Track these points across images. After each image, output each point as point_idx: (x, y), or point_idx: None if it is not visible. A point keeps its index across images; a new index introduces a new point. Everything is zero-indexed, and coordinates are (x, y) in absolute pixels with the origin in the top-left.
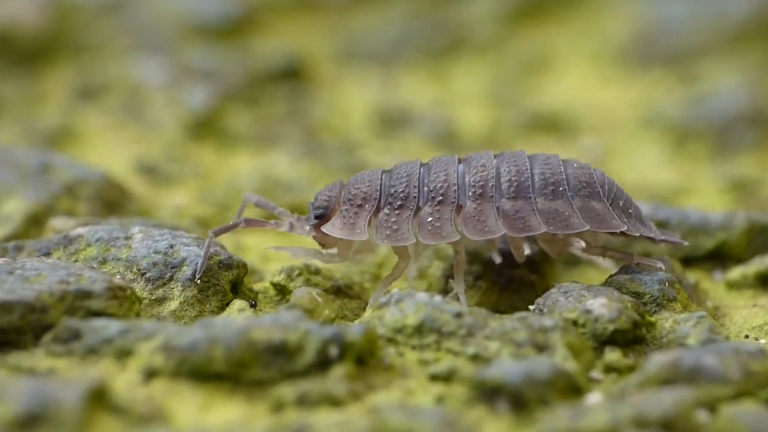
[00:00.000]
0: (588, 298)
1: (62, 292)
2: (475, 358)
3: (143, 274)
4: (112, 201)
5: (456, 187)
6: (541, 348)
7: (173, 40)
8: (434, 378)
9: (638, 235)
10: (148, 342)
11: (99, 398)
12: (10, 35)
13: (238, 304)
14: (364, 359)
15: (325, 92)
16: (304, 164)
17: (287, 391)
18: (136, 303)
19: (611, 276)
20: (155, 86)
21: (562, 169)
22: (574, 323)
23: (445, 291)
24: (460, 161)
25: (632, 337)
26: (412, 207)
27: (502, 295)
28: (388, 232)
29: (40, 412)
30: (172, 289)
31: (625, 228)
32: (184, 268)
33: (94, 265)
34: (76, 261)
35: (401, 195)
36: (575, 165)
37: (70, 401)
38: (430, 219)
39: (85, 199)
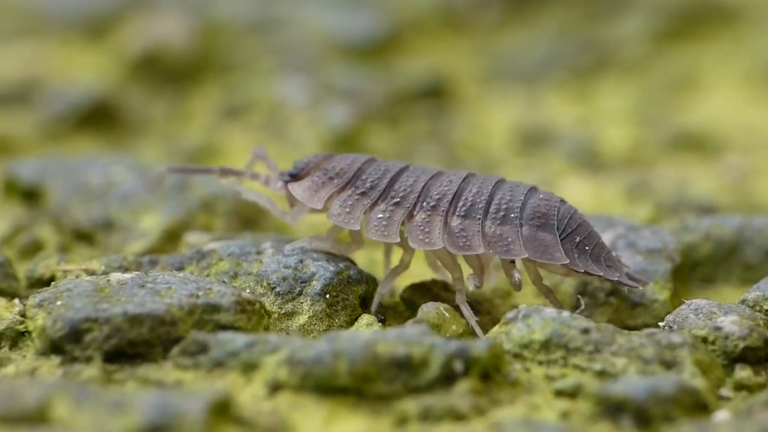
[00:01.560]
0: (719, 315)
1: (191, 306)
2: (602, 374)
3: (273, 289)
4: (248, 216)
5: (416, 195)
6: (669, 365)
7: (317, 60)
8: (559, 393)
9: (582, 271)
10: (273, 355)
11: (223, 410)
12: (161, 56)
13: (366, 318)
14: (490, 374)
15: (466, 111)
16: None
17: (411, 405)
18: (264, 317)
19: (744, 294)
20: (297, 105)
21: (523, 198)
22: (704, 340)
23: (574, 307)
24: (436, 174)
25: (764, 355)
26: (372, 198)
27: (634, 312)
28: (339, 211)
29: (163, 424)
30: (302, 303)
31: (567, 262)
32: (314, 282)
33: (226, 280)
34: (208, 275)
35: (369, 183)
36: (541, 196)
37: (194, 413)
38: (380, 216)
39: (221, 214)
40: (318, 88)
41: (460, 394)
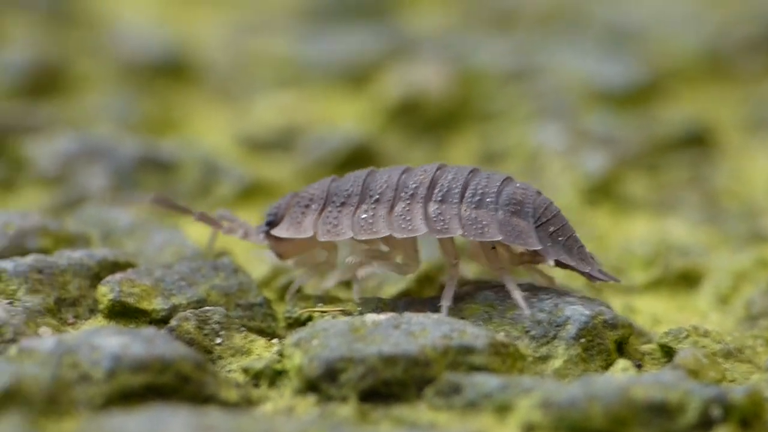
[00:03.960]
0: None
1: (445, 347)
2: None
3: (527, 332)
4: None
5: (394, 190)
6: None
7: (574, 106)
8: None
9: (553, 259)
10: (527, 397)
11: None
12: (419, 103)
13: (622, 363)
14: (749, 421)
15: (728, 159)
16: (702, 230)
17: None
18: (519, 360)
19: None
20: (554, 151)
21: (498, 185)
22: None
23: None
24: (407, 169)
25: None
26: (352, 204)
27: None
28: (327, 228)
29: None
30: (556, 347)
31: (540, 248)
32: (568, 326)
33: (480, 323)
34: (462, 318)
35: (344, 194)
36: (518, 185)
37: None
38: (364, 216)
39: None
40: (575, 135)
41: None
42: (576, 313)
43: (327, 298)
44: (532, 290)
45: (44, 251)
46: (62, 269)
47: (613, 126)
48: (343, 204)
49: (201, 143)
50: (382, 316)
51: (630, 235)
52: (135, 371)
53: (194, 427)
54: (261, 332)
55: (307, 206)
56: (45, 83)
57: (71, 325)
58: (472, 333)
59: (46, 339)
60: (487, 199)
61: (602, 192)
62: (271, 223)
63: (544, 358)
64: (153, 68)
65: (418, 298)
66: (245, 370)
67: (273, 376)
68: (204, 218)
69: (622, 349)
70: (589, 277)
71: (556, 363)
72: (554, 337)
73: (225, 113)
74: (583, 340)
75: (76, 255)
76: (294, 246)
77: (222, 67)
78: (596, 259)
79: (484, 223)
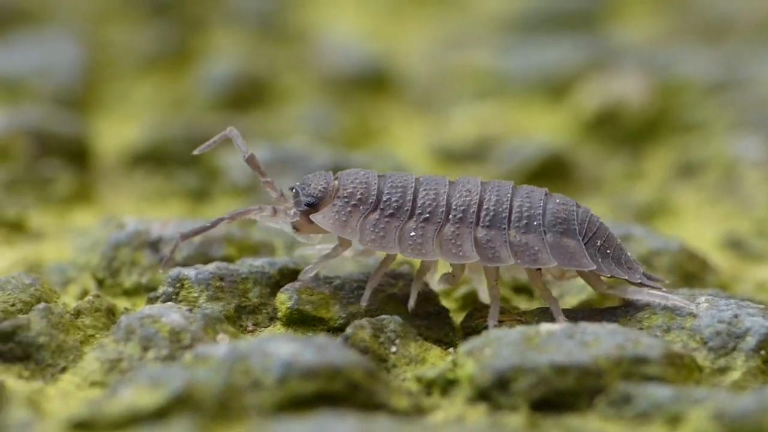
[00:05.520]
0: None
1: (618, 357)
2: None
3: (705, 343)
4: (690, 272)
5: (443, 209)
6: None
7: None
8: None
9: (609, 275)
10: (699, 409)
11: None
12: (617, 114)
13: None
14: None
15: None
16: None
17: None
18: (695, 371)
19: None
20: (751, 163)
21: (542, 204)
22: None
23: None
24: (449, 183)
25: None
26: (401, 218)
27: None
28: (373, 236)
29: None
30: (735, 359)
31: (594, 267)
32: (748, 338)
33: (658, 333)
34: (640, 329)
35: (394, 204)
36: (557, 200)
37: None
38: (412, 234)
39: (661, 269)
40: None
41: None
42: (756, 324)
43: (505, 308)
44: (711, 299)
45: (228, 259)
46: (243, 277)
47: None
48: (392, 215)
49: (394, 154)
50: (556, 326)
51: None
52: (305, 378)
53: None
54: (438, 341)
55: (355, 206)
56: (249, 96)
57: (251, 332)
58: (647, 343)
59: (220, 346)
60: (534, 222)
61: None
62: (313, 205)
63: (723, 370)
64: (354, 81)
65: (598, 309)
66: (418, 379)
67: (445, 384)
68: (235, 216)
69: None
70: (641, 286)
71: (735, 375)
72: (733, 349)
73: (422, 125)
74: (763, 352)
75: (258, 263)
76: (319, 230)
77: (422, 79)
78: (636, 262)
79: (535, 248)
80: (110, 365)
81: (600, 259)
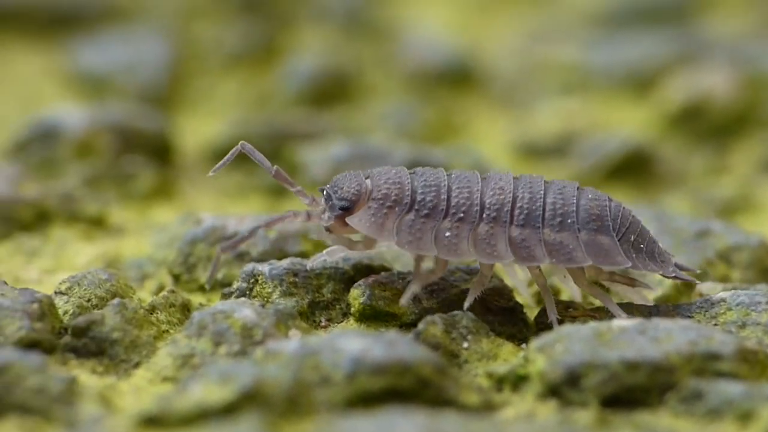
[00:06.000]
0: None
1: (690, 353)
2: None
3: None
4: None
5: (477, 207)
6: None
7: None
8: None
9: (643, 271)
10: None
11: None
12: (703, 109)
13: None
14: None
15: None
16: None
17: None
18: None
19: None
20: None
21: (575, 200)
22: None
23: None
24: (481, 180)
25: None
26: (436, 218)
27: None
28: (410, 238)
29: None
30: None
31: (630, 265)
32: None
33: (733, 329)
34: (715, 325)
35: (429, 204)
36: (590, 196)
37: None
38: (447, 234)
39: (740, 265)
40: None
41: None
42: None
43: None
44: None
45: (303, 255)
46: (317, 273)
47: None
48: (427, 216)
49: (475, 149)
50: (628, 322)
51: None
52: (374, 374)
53: (422, 430)
54: (511, 337)
55: (390, 207)
56: (333, 92)
57: (324, 328)
58: (720, 339)
59: (291, 341)
60: (569, 220)
61: None
62: (348, 209)
63: None
64: (438, 76)
65: (672, 304)
66: (489, 375)
67: (516, 380)
68: (280, 175)
69: None
70: (675, 279)
71: None
72: None
73: (505, 120)
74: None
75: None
76: (353, 231)
77: (508, 74)
78: (668, 253)
79: (570, 247)
80: (182, 360)
81: (634, 255)
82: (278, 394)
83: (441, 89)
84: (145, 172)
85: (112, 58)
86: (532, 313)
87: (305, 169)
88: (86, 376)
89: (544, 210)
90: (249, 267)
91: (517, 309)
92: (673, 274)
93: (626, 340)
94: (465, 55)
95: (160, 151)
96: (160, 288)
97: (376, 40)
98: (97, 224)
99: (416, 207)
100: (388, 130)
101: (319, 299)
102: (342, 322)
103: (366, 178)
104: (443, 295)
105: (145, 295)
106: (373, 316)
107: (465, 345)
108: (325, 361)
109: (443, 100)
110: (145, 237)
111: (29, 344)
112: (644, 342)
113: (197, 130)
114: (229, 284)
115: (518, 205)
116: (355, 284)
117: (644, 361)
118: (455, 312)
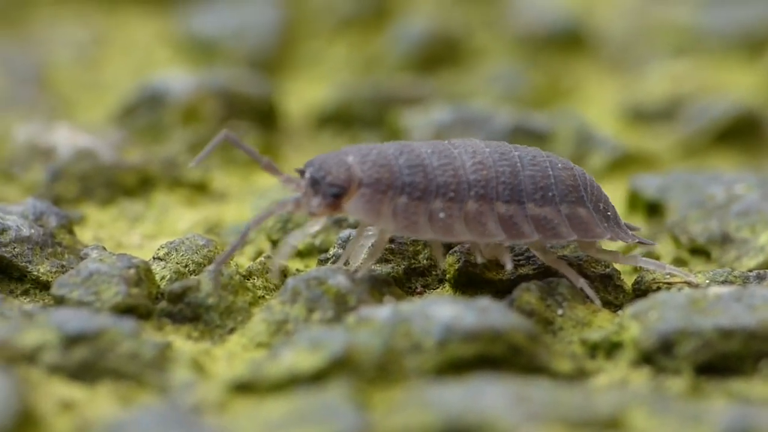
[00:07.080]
0: None
1: None
2: None
3: None
4: None
5: (465, 185)
6: None
7: None
8: None
9: (617, 240)
10: None
11: None
12: None
13: None
14: None
15: None
16: None
17: None
18: None
19: None
20: None
21: (551, 172)
22: None
23: None
24: (455, 150)
25: None
26: (428, 200)
27: None
28: (405, 222)
29: None
30: None
31: (609, 236)
32: None
33: None
34: None
35: (419, 186)
36: (559, 165)
37: None
38: (442, 215)
39: None
40: None
41: None
42: None
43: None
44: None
45: None
46: (413, 239)
47: None
48: (419, 198)
49: (580, 113)
50: (724, 289)
51: None
52: (465, 341)
53: (510, 397)
54: (607, 304)
55: (383, 192)
56: (441, 55)
57: (419, 294)
58: None
59: (383, 308)
60: (549, 193)
61: None
62: (339, 195)
63: None
64: (548, 39)
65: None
66: (583, 342)
67: (610, 347)
68: (269, 167)
69: None
70: (639, 243)
71: None
72: None
73: (615, 84)
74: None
75: None
76: (339, 213)
77: (619, 36)
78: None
79: (555, 222)
80: (276, 327)
81: (606, 224)
82: (368, 361)
83: (550, 52)
84: (249, 137)
85: (222, 23)
86: (629, 280)
87: (410, 132)
88: (181, 342)
89: (525, 183)
90: (345, 233)
91: (613, 275)
92: (637, 240)
93: (721, 307)
94: (575, 16)
95: (265, 116)
96: (258, 253)
97: (486, 2)
98: (200, 190)
99: (407, 190)
100: (494, 95)
101: (416, 266)
102: (437, 288)
103: (346, 155)
104: (540, 261)
105: (243, 260)
106: (468, 283)
107: (560, 312)
108: (416, 328)
109: (552, 64)
110: (247, 202)
111: (125, 310)
112: (740, 309)
113: (304, 94)
114: (326, 250)
115: (501, 180)
116: (451, 250)
117: (739, 328)
118: (551, 279)
